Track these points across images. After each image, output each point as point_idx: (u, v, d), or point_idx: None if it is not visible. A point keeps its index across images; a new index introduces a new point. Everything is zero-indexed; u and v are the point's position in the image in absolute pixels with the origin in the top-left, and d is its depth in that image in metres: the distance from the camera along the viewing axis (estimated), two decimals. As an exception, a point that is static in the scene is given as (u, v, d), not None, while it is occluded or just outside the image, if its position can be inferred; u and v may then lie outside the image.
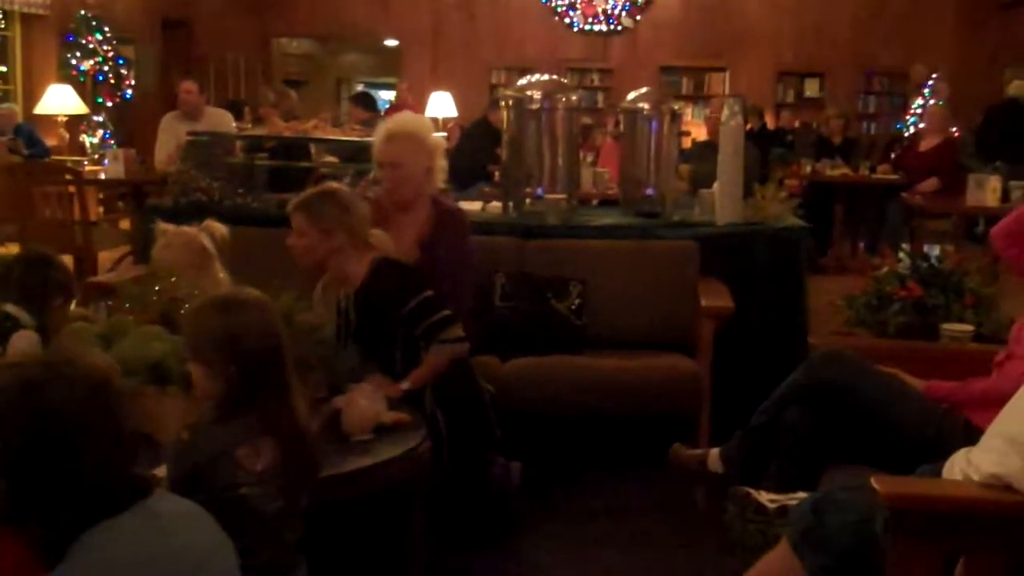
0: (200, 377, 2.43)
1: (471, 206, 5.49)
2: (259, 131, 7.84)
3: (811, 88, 15.16)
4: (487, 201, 5.66)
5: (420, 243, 4.35)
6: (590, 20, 14.93)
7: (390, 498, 3.19)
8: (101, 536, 1.76)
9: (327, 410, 3.13)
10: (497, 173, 6.16)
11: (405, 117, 4.77)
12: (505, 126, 5.50)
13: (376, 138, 4.50)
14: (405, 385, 3.65)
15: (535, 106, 5.30)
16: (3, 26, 11.31)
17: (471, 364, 3.93)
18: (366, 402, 3.15)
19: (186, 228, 3.90)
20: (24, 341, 3.17)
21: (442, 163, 4.42)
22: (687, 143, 10.27)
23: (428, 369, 3.71)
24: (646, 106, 5.54)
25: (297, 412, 2.40)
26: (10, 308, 3.26)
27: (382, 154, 4.39)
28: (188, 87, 8.10)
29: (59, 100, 10.89)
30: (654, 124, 5.48)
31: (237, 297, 2.50)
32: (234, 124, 8.28)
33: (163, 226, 3.94)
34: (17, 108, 10.46)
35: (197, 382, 2.45)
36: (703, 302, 4.56)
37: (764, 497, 2.98)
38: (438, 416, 3.66)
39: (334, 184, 4.12)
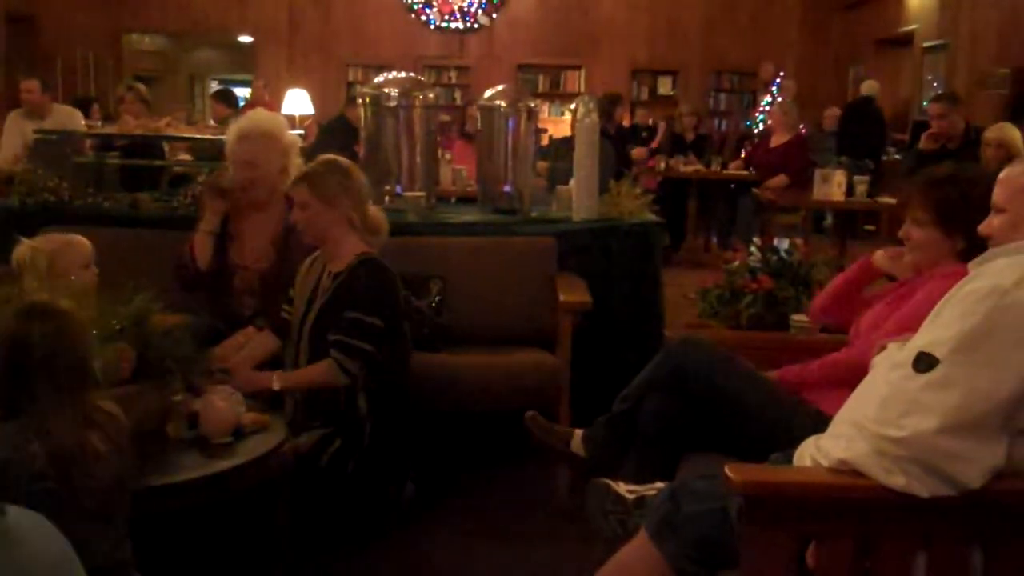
0: None
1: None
2: (109, 129, 7.64)
3: (664, 86, 15.40)
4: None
5: (274, 242, 4.29)
6: (446, 17, 14.91)
7: (255, 499, 3.15)
8: None
9: (184, 412, 3.07)
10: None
11: (258, 115, 4.65)
12: (363, 123, 5.46)
13: (229, 137, 4.41)
14: (276, 386, 3.61)
15: (392, 103, 5.28)
16: None
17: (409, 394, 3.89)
18: (224, 404, 3.08)
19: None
20: None
21: (297, 161, 4.37)
22: (545, 140, 10.34)
23: (308, 376, 3.68)
24: (503, 104, 5.54)
25: (66, 428, 2.34)
26: None
27: (235, 154, 4.31)
28: (29, 86, 7.85)
29: None
30: (511, 122, 5.49)
31: (34, 305, 2.45)
32: (83, 122, 8.05)
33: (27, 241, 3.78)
34: None
35: None
36: (561, 297, 4.61)
37: (623, 488, 3.01)
38: (365, 427, 3.64)
39: (334, 156, 4.01)
